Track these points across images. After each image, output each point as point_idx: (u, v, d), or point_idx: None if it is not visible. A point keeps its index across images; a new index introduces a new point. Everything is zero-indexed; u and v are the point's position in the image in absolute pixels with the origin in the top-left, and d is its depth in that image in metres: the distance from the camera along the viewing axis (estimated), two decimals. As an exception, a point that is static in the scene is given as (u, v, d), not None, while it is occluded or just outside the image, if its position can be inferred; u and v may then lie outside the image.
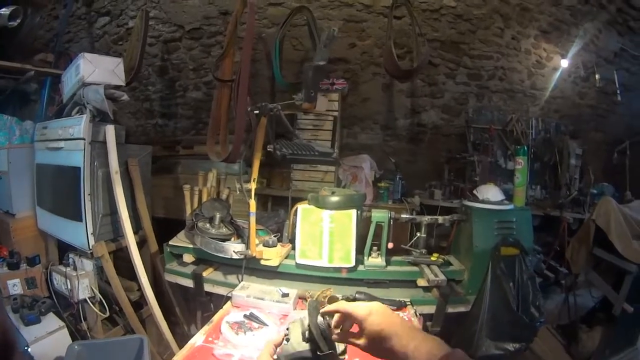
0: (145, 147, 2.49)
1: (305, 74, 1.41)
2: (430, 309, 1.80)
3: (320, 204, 1.73)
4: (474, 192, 2.06)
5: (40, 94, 3.04)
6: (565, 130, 3.26)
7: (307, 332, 0.80)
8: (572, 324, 2.43)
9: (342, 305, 0.73)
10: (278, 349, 0.80)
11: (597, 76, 3.30)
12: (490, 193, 2.01)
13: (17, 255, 2.31)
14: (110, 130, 2.07)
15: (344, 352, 0.83)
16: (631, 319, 1.96)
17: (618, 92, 3.26)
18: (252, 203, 1.63)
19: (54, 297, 2.28)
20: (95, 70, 2.14)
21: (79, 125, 2.07)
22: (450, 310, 1.83)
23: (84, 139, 2.04)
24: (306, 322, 0.81)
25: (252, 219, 1.65)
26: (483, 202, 1.97)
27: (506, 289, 1.80)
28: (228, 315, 1.43)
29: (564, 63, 3.23)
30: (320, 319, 0.86)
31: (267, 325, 1.36)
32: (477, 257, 1.87)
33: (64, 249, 2.38)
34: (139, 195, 2.24)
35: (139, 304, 2.23)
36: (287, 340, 0.84)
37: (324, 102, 1.48)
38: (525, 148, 2.26)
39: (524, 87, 3.18)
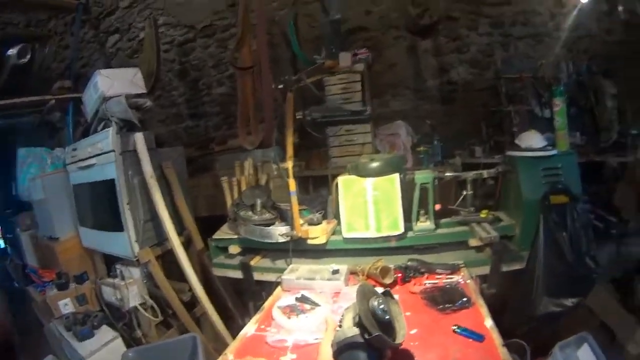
0: (177, 149, 2.52)
1: (323, 31, 1.34)
2: (485, 270, 1.72)
3: (361, 172, 1.68)
4: (516, 141, 1.96)
5: (65, 120, 3.14)
6: (596, 70, 3.06)
7: (356, 317, 0.82)
8: (626, 275, 2.28)
9: None
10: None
11: (619, 8, 3.10)
12: (533, 140, 1.90)
13: (65, 276, 2.39)
14: (139, 138, 2.10)
15: (397, 337, 0.82)
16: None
17: (646, 22, 3.04)
18: (292, 182, 1.60)
19: (105, 309, 2.34)
20: (114, 84, 2.17)
21: (107, 138, 2.12)
22: (505, 268, 1.74)
23: (113, 151, 2.08)
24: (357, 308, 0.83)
25: (294, 198, 1.62)
26: (526, 150, 1.87)
27: (560, 240, 1.70)
28: (279, 300, 1.39)
29: (583, -1, 3.04)
30: (373, 302, 0.84)
31: (320, 305, 1.31)
32: (527, 208, 1.77)
33: (111, 263, 2.43)
34: (178, 196, 2.26)
35: (192, 303, 2.24)
36: (340, 326, 0.86)
37: (348, 58, 1.41)
38: (562, 88, 2.12)
39: (548, 30, 3.02)
